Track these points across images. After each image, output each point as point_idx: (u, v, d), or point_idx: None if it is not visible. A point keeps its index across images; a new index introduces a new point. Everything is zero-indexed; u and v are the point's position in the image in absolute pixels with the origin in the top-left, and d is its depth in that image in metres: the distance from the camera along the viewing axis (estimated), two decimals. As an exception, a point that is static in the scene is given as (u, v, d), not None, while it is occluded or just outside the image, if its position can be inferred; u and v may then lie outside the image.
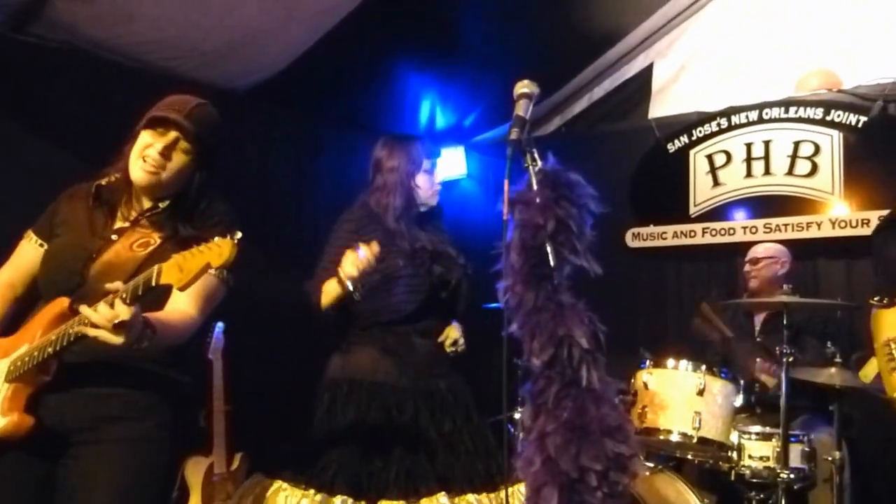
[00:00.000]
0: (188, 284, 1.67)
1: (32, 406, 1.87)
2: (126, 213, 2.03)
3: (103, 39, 3.50)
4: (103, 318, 1.65)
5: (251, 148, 4.12)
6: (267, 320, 4.04)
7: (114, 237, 1.99)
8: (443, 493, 2.30)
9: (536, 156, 1.83)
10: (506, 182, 1.80)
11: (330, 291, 2.41)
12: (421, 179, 2.65)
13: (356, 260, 2.28)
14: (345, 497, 2.31)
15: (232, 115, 3.95)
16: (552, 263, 1.74)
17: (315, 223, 4.56)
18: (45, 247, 2.05)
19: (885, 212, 4.05)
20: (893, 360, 1.95)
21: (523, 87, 1.92)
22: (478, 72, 4.51)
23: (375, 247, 2.29)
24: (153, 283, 1.68)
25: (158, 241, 1.97)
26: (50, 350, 1.81)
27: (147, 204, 2.03)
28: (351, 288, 2.30)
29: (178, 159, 1.99)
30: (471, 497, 2.35)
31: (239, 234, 1.68)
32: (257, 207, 4.01)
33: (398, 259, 2.49)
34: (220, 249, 1.66)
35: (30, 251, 2.08)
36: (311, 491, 2.36)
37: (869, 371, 1.99)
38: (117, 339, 1.67)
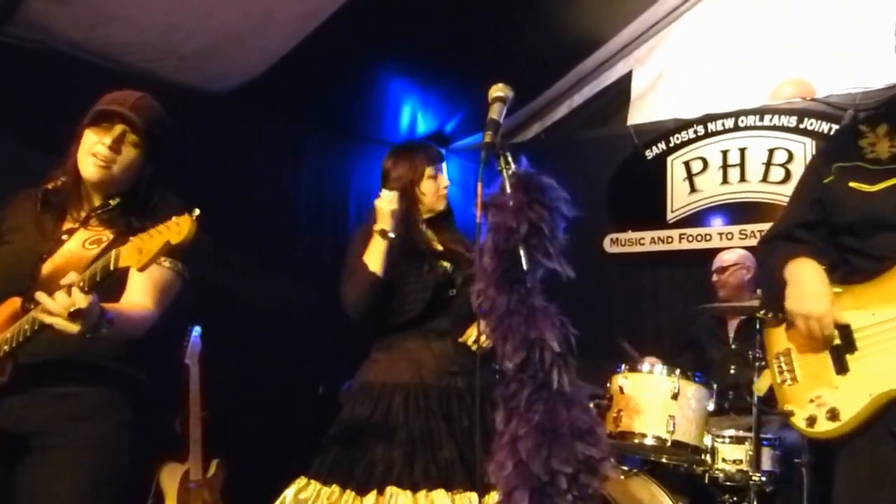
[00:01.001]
0: (148, 265, 1.66)
1: None
2: (76, 214, 2.01)
3: (81, 41, 3.48)
4: (60, 305, 1.63)
5: (230, 151, 4.11)
6: (245, 324, 4.03)
7: (64, 237, 1.96)
8: (441, 489, 2.32)
9: (510, 159, 1.85)
10: (479, 185, 1.81)
11: (374, 251, 2.49)
12: (425, 186, 2.68)
13: (385, 201, 2.45)
14: (350, 490, 2.35)
15: (211, 119, 4.01)
16: (525, 267, 1.75)
17: (295, 226, 4.57)
18: None
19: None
20: (783, 374, 1.98)
21: (497, 90, 1.94)
22: (458, 78, 4.53)
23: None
24: (111, 268, 1.66)
25: (111, 237, 1.95)
26: (6, 348, 1.78)
27: (97, 202, 2.01)
28: (391, 227, 2.45)
29: (128, 153, 1.97)
30: (472, 495, 2.36)
31: (197, 211, 1.65)
32: (237, 211, 4.01)
33: (403, 265, 2.53)
34: (178, 227, 1.63)
35: None
36: (317, 483, 2.41)
37: (762, 384, 2.05)
38: (73, 327, 1.65)
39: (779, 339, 2.03)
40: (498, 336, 1.75)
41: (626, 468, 3.44)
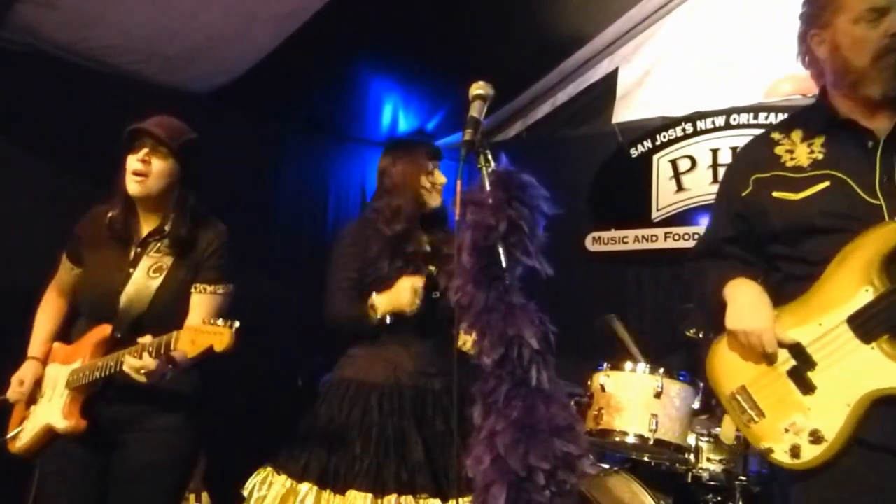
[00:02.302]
0: (196, 357, 2.12)
1: (87, 410, 2.34)
2: (136, 237, 2.44)
3: (69, 44, 3.50)
4: (133, 367, 2.16)
5: (213, 150, 4.08)
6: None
7: (131, 270, 2.39)
8: (409, 495, 2.29)
9: (490, 157, 1.85)
10: (458, 182, 1.81)
11: (384, 310, 2.51)
12: (424, 181, 2.67)
13: (410, 293, 2.45)
14: (311, 484, 2.33)
15: (194, 119, 3.98)
16: (504, 264, 1.75)
17: (276, 227, 4.56)
18: (76, 270, 2.53)
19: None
20: (745, 413, 1.88)
21: (478, 88, 1.94)
22: (440, 75, 4.52)
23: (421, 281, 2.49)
24: (172, 347, 2.14)
25: (169, 264, 2.40)
26: (97, 374, 2.30)
27: (154, 223, 2.44)
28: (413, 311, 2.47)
29: (158, 162, 2.37)
30: (436, 502, 2.34)
31: (237, 324, 2.11)
32: (217, 208, 3.98)
33: (388, 264, 2.52)
34: (222, 336, 2.10)
35: (65, 274, 2.57)
36: (284, 476, 2.40)
37: (728, 431, 1.96)
38: (142, 379, 2.16)
39: (727, 378, 1.94)
40: (476, 332, 1.75)
41: (606, 466, 3.44)
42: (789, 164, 1.89)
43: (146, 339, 2.15)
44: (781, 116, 4.46)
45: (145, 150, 2.35)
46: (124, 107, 3.66)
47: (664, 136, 4.86)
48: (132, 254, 2.41)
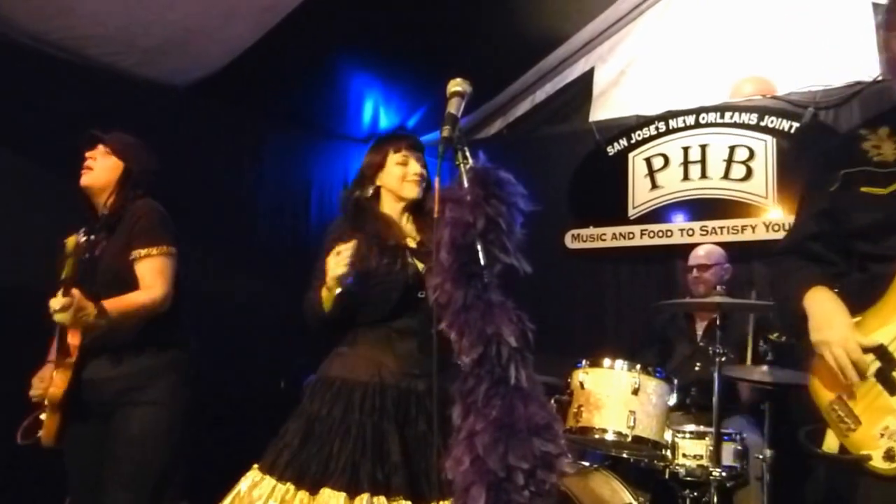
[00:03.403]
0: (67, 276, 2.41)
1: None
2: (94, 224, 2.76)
3: (41, 33, 3.43)
4: (51, 307, 2.33)
5: (191, 146, 4.05)
6: (204, 318, 3.97)
7: (87, 255, 2.67)
8: (383, 496, 2.26)
9: (468, 153, 1.84)
10: (436, 179, 1.80)
11: (326, 298, 2.37)
12: (391, 172, 2.55)
13: (337, 261, 2.28)
14: (289, 485, 2.29)
15: (172, 113, 3.95)
16: (482, 262, 1.74)
17: (256, 221, 4.52)
18: None
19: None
20: (843, 422, 1.86)
21: (456, 85, 1.93)
22: (421, 73, 4.51)
23: (350, 245, 2.30)
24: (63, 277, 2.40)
25: (105, 243, 2.66)
26: (56, 338, 2.59)
27: (100, 207, 2.73)
28: (341, 287, 2.31)
29: (103, 158, 2.73)
30: None
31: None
32: (197, 205, 3.95)
33: (371, 259, 2.41)
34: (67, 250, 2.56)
35: None
36: (262, 473, 2.35)
37: (831, 443, 1.94)
38: (64, 318, 2.33)
39: (825, 390, 1.92)
40: (454, 331, 1.74)
41: (586, 464, 3.45)
42: (876, 158, 1.87)
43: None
44: (746, 116, 4.55)
45: (95, 150, 2.73)
46: (101, 99, 3.66)
47: (639, 135, 4.92)
48: (87, 241, 2.72)
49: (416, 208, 2.59)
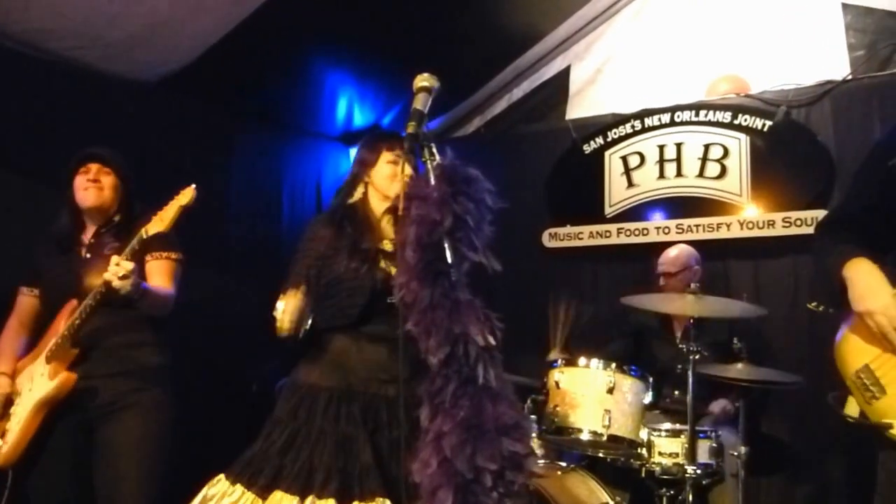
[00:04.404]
0: (171, 226, 2.45)
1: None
2: (84, 238, 2.77)
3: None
4: (112, 271, 2.38)
5: (159, 142, 3.98)
6: (174, 318, 3.90)
7: (87, 255, 2.73)
8: (333, 499, 2.20)
9: (434, 150, 1.81)
10: (402, 176, 1.77)
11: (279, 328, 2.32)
12: (381, 170, 2.50)
13: (281, 316, 2.25)
14: (239, 486, 2.25)
15: (140, 108, 3.87)
16: (449, 260, 1.71)
17: (226, 219, 4.45)
18: (35, 290, 2.79)
19: (793, 213, 4.19)
20: (868, 390, 1.92)
21: (423, 80, 1.90)
22: (396, 70, 4.46)
23: (295, 299, 2.28)
24: (145, 237, 2.46)
25: (118, 245, 2.64)
26: (77, 321, 2.54)
27: (97, 223, 2.77)
28: (288, 335, 2.27)
29: (106, 178, 2.76)
30: (386, 501, 2.26)
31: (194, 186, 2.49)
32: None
33: (343, 262, 2.38)
34: (184, 196, 2.49)
35: (25, 301, 2.82)
36: (221, 476, 2.32)
37: (851, 410, 1.99)
38: (124, 285, 2.39)
39: (853, 358, 1.98)
40: (421, 330, 1.71)
41: (563, 464, 3.42)
42: None
43: (116, 257, 2.42)
44: (720, 114, 4.57)
45: (94, 170, 2.74)
46: (64, 95, 3.58)
47: (615, 133, 4.91)
48: (83, 250, 2.74)
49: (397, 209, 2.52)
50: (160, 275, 2.70)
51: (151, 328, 2.75)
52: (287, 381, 2.51)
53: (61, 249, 2.75)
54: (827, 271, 2.04)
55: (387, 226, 2.52)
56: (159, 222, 2.45)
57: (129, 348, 2.69)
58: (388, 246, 2.47)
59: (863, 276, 1.94)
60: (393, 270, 2.36)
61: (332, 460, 2.21)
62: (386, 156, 2.52)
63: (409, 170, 2.47)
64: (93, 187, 2.72)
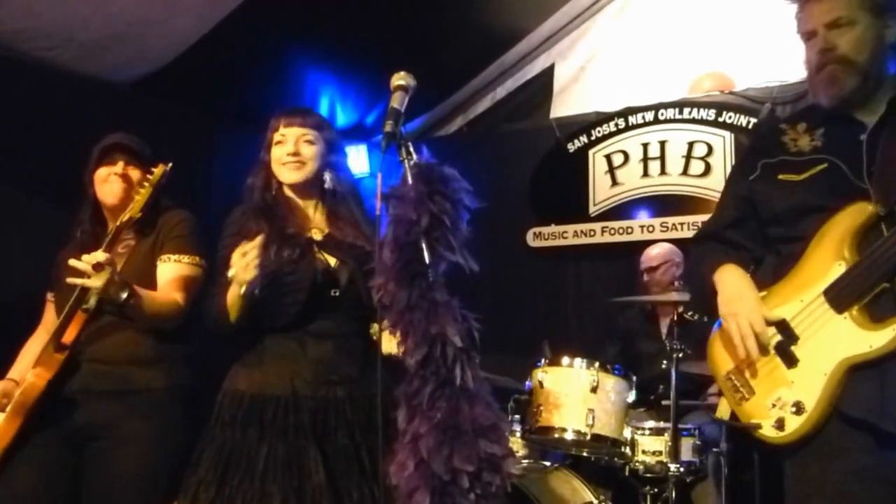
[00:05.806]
0: (143, 208, 2.32)
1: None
2: (104, 235, 2.47)
3: (-32, 26, 3.29)
4: (85, 263, 2.17)
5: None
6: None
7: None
8: None
9: (411, 149, 1.79)
10: (378, 176, 1.75)
11: (232, 302, 2.14)
12: (273, 153, 2.32)
13: (241, 261, 2.04)
14: None
15: (116, 110, 3.82)
16: (427, 260, 1.69)
17: (206, 223, 4.39)
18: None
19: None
20: (738, 391, 1.99)
21: (399, 78, 1.88)
22: (378, 69, 4.41)
23: (258, 240, 2.06)
24: (119, 225, 2.32)
25: (133, 244, 2.51)
26: (59, 325, 2.32)
27: (116, 219, 2.42)
28: (246, 290, 2.08)
29: (134, 174, 2.53)
30: None
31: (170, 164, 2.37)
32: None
33: (276, 254, 2.17)
34: (155, 176, 2.35)
35: (49, 308, 2.60)
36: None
37: (722, 411, 2.06)
38: (98, 281, 2.17)
39: (723, 360, 2.05)
40: (399, 331, 1.69)
41: (547, 463, 3.41)
42: (792, 149, 2.02)
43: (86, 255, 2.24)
44: (704, 111, 4.56)
45: (122, 163, 2.52)
46: (37, 96, 3.52)
47: (599, 132, 4.92)
48: (104, 246, 2.45)
49: (329, 197, 2.34)
50: (167, 280, 2.41)
51: (158, 342, 2.43)
52: (223, 392, 2.25)
53: (82, 249, 2.40)
54: (700, 278, 2.12)
55: (315, 214, 2.35)
56: (131, 207, 2.32)
57: (129, 365, 2.39)
58: (318, 234, 2.30)
59: (731, 281, 2.01)
60: (332, 261, 2.25)
61: (287, 482, 2.07)
62: (274, 136, 2.34)
63: (291, 147, 2.27)
64: (119, 182, 2.47)
